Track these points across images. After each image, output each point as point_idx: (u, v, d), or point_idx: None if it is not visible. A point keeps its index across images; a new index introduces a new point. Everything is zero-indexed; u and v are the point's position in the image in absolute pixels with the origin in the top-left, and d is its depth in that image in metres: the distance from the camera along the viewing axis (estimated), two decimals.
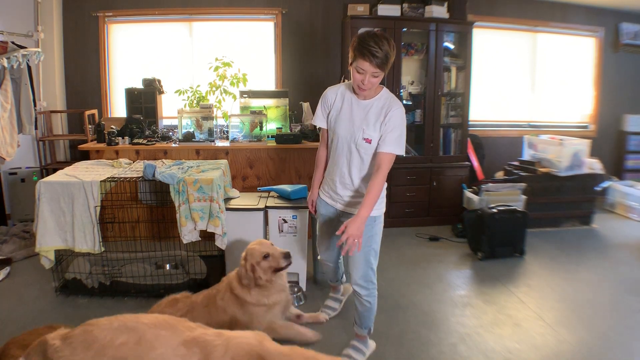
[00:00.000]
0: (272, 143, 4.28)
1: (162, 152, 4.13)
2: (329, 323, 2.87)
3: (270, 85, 5.12)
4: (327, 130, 2.47)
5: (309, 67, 5.10)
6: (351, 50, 2.18)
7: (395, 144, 2.20)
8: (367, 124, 2.24)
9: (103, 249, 2.99)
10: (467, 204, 4.59)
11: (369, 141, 2.24)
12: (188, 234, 2.98)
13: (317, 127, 4.24)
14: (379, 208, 2.33)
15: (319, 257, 2.92)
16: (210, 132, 4.32)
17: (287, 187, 3.38)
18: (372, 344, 2.55)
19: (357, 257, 2.29)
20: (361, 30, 4.51)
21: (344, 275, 3.08)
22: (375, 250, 2.35)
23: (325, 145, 2.57)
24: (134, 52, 5.01)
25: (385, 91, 2.30)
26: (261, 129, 4.36)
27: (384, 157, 2.20)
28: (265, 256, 2.53)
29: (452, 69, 4.90)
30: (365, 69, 2.11)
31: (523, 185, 4.55)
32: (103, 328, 1.51)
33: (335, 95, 2.38)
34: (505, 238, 3.96)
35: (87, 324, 1.56)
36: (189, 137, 4.24)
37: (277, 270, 2.55)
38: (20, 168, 4.49)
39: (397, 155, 2.23)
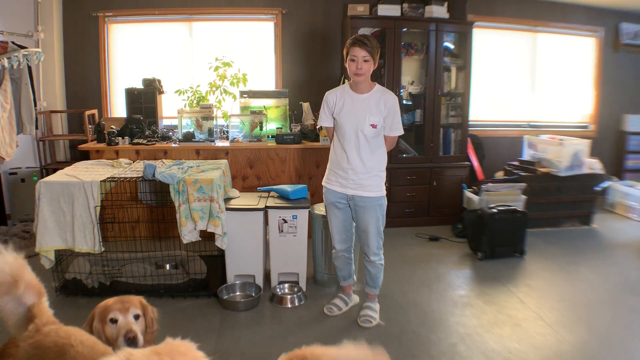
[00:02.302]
0: (272, 143, 4.28)
1: (162, 152, 4.13)
2: (330, 322, 2.87)
3: (270, 85, 5.12)
4: (334, 127, 2.82)
5: (309, 67, 5.10)
6: (345, 48, 2.68)
7: (399, 128, 2.75)
8: (371, 113, 2.67)
9: (103, 249, 2.99)
10: (467, 204, 4.58)
11: (374, 126, 2.68)
12: (188, 234, 2.98)
13: (318, 127, 4.27)
14: (384, 189, 2.78)
15: (333, 251, 2.96)
16: (210, 132, 4.32)
17: (287, 187, 3.38)
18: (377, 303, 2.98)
19: (372, 233, 2.77)
20: (360, 31, 4.56)
21: (354, 275, 3.13)
22: (383, 223, 2.83)
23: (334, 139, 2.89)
24: (134, 52, 5.01)
25: (378, 86, 2.76)
26: (261, 129, 4.36)
27: (393, 139, 2.80)
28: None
29: (452, 69, 4.90)
30: (357, 55, 2.59)
31: (523, 185, 4.55)
32: (54, 338, 1.50)
33: (335, 96, 2.78)
34: (505, 238, 3.96)
35: (60, 328, 1.55)
36: (189, 137, 4.24)
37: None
38: (20, 168, 4.49)
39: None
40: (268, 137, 4.40)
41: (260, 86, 4.91)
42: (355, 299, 3.10)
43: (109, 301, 1.82)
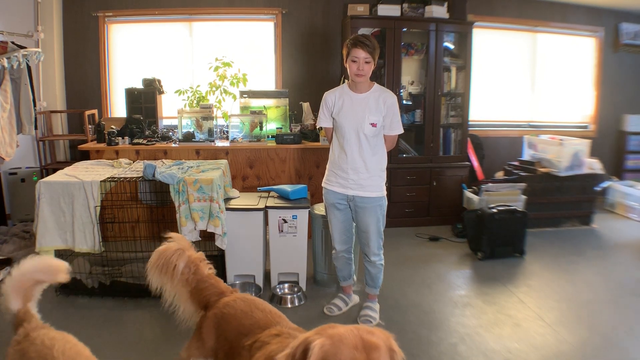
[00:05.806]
0: (272, 143, 4.27)
1: (162, 152, 4.13)
2: (330, 322, 2.87)
3: (270, 85, 5.12)
4: (333, 128, 2.81)
5: (309, 67, 5.10)
6: (345, 48, 2.66)
7: (399, 126, 2.75)
8: (370, 112, 2.67)
9: (103, 249, 2.99)
10: (467, 204, 4.58)
11: (374, 125, 2.67)
12: (188, 234, 2.98)
13: (318, 128, 4.27)
14: (384, 189, 2.78)
15: (333, 252, 2.97)
16: (210, 132, 4.32)
17: (287, 187, 3.38)
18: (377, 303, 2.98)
19: (372, 233, 2.77)
20: (360, 31, 4.56)
21: (354, 275, 3.13)
22: (384, 224, 2.83)
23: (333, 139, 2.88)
24: (134, 52, 5.01)
25: (376, 85, 2.76)
26: (261, 129, 4.36)
27: (393, 138, 2.79)
28: None
29: (452, 69, 4.90)
30: (358, 56, 2.59)
31: (523, 185, 4.54)
32: (39, 347, 1.50)
33: (334, 96, 2.77)
34: (505, 238, 3.96)
35: (47, 335, 1.55)
36: (189, 137, 4.24)
37: None
38: (20, 168, 4.49)
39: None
40: (268, 137, 4.39)
41: (260, 86, 4.91)
42: (355, 299, 3.10)
43: (340, 341, 1.11)
